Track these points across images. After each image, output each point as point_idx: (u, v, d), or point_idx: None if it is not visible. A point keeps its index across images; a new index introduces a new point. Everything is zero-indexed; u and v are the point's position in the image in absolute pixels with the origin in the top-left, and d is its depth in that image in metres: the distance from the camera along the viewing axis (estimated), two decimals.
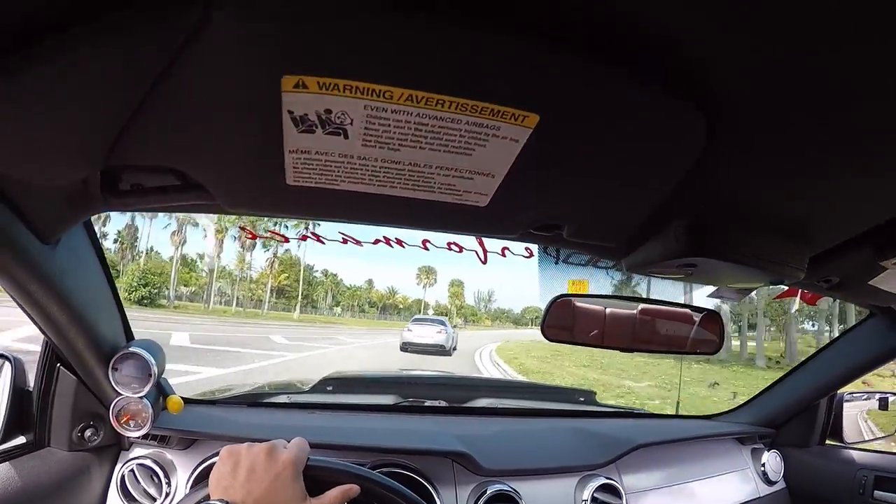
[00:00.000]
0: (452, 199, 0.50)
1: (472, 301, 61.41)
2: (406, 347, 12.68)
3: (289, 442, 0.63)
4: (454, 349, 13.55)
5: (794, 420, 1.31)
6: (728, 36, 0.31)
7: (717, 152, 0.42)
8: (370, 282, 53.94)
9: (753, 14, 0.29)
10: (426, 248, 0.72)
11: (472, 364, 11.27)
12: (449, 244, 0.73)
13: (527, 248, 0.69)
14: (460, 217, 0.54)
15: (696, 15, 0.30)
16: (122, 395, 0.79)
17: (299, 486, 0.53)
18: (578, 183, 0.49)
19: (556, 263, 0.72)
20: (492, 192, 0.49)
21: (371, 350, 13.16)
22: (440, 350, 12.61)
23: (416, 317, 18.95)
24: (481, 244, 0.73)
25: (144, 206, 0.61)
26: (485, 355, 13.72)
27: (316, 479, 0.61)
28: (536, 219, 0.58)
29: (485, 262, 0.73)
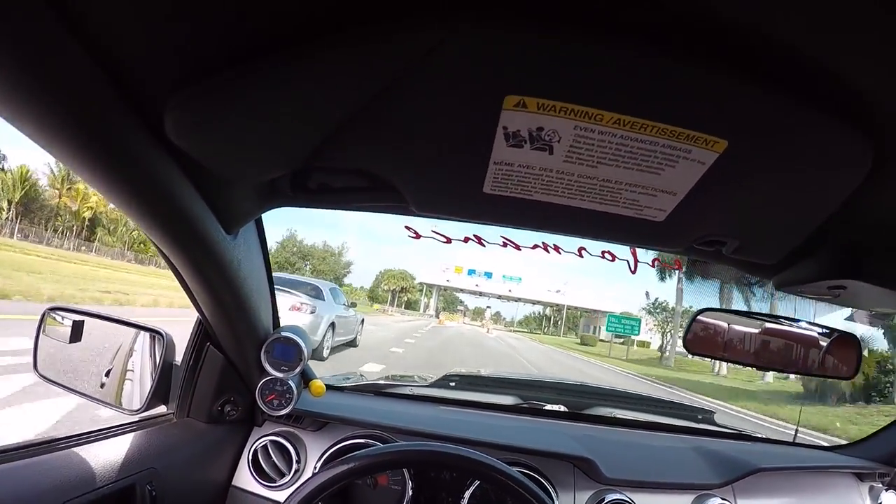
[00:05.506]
0: (633, 213, 0.52)
1: None
2: None
3: None
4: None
5: None
6: None
7: (881, 179, 0.43)
8: None
9: None
10: (581, 256, 0.73)
11: None
12: (603, 253, 0.74)
13: (676, 261, 0.68)
14: (636, 230, 0.56)
15: (866, 52, 0.32)
16: (271, 375, 0.85)
17: None
18: (749, 203, 0.50)
19: (702, 277, 0.71)
20: (671, 208, 0.51)
21: None
22: None
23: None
24: (634, 255, 0.74)
25: (330, 203, 0.65)
26: None
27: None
28: (704, 235, 0.59)
29: (634, 272, 0.74)
